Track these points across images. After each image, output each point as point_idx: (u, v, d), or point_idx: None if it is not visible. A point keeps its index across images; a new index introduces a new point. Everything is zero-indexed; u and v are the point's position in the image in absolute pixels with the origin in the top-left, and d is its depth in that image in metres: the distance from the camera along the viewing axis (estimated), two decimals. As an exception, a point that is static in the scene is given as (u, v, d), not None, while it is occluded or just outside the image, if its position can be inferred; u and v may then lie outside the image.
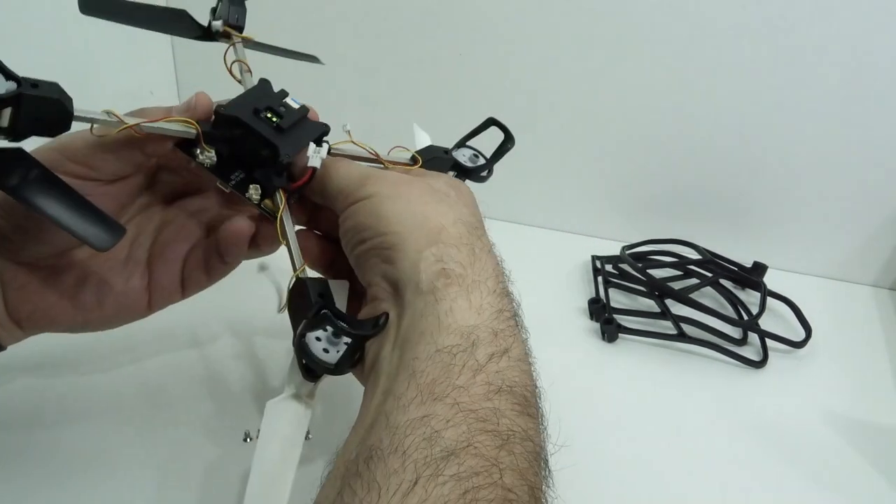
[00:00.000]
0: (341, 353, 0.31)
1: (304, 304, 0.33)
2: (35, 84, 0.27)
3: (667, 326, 0.57)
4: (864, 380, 0.55)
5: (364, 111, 0.70)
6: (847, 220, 0.67)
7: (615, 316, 0.56)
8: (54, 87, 0.28)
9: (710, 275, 0.62)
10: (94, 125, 0.30)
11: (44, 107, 0.27)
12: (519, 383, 0.28)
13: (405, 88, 0.69)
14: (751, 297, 0.63)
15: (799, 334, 0.58)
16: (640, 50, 0.63)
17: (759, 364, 0.55)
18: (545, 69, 0.65)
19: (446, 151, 0.41)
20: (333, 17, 0.66)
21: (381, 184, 0.34)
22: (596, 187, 0.70)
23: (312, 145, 0.35)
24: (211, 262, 0.38)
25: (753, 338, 0.58)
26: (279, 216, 0.35)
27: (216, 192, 0.38)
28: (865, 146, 0.63)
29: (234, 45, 0.39)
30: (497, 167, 0.43)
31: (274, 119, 0.34)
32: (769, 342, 0.57)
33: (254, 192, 0.35)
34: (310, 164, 0.35)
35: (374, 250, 0.33)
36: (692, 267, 0.63)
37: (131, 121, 0.31)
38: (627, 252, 0.64)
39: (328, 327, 0.32)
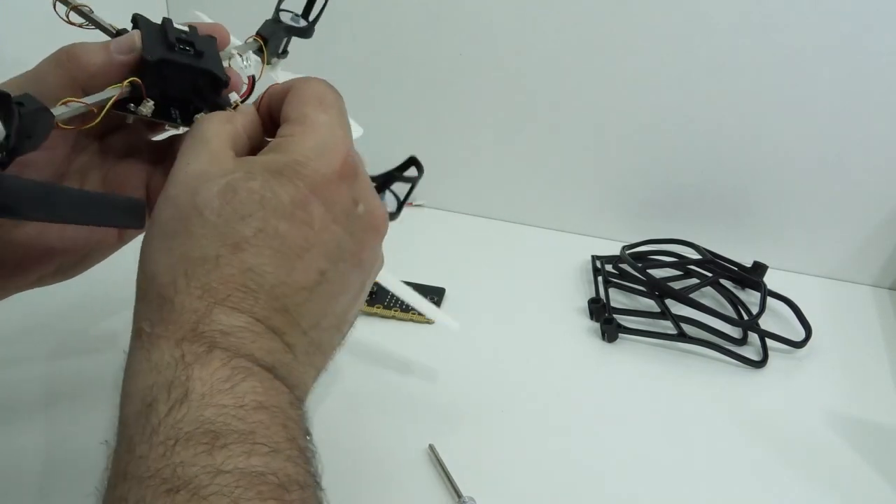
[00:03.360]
0: None
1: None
2: (20, 102, 0.25)
3: (667, 326, 0.57)
4: (864, 380, 0.55)
5: (363, 111, 0.70)
6: (847, 220, 0.67)
7: (615, 316, 0.56)
8: (27, 97, 0.26)
9: (710, 275, 0.62)
10: (59, 119, 0.29)
11: (34, 120, 0.26)
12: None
13: (403, 88, 0.69)
14: (751, 297, 0.63)
15: (799, 334, 0.58)
16: (639, 49, 0.63)
17: (759, 364, 0.55)
18: (545, 68, 0.65)
19: None
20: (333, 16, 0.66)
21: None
22: (596, 187, 0.70)
23: (237, 57, 0.34)
24: None
25: (753, 338, 0.58)
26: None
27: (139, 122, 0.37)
28: (865, 146, 0.63)
29: None
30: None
31: (188, 48, 0.32)
32: (769, 342, 0.57)
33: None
34: (247, 73, 0.35)
35: None
36: (692, 267, 0.63)
37: (90, 100, 0.29)
38: (627, 252, 0.64)
39: None
